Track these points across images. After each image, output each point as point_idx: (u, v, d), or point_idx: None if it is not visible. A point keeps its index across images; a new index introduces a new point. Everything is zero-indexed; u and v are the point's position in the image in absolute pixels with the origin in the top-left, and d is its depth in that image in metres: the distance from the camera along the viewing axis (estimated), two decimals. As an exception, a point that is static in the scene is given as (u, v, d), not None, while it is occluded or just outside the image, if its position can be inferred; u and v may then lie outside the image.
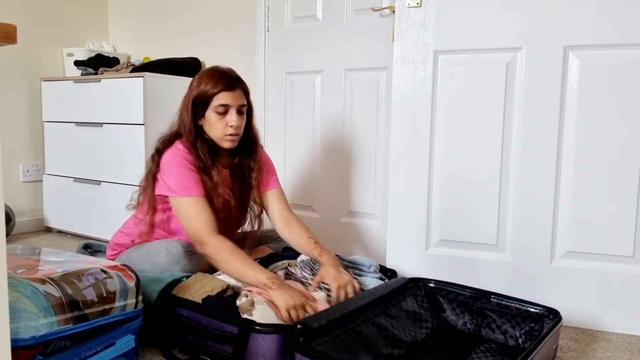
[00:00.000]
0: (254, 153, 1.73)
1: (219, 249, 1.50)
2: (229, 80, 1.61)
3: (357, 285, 1.50)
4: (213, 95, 1.59)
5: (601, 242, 1.65)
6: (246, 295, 1.33)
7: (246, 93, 1.66)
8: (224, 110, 1.60)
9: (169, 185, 1.59)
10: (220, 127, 1.61)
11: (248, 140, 1.72)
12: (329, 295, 1.46)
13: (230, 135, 1.61)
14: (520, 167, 1.72)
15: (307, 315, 1.32)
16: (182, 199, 1.57)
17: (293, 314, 1.32)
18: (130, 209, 1.76)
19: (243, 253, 1.51)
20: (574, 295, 1.69)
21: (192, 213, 1.55)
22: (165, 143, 1.65)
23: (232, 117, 1.59)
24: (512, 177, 1.74)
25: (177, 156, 1.60)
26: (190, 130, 1.62)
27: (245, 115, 1.66)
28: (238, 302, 1.30)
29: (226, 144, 1.64)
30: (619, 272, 1.64)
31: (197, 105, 1.62)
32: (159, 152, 1.65)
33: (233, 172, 1.72)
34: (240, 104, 1.62)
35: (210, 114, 1.60)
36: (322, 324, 1.24)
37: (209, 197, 1.60)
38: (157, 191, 1.63)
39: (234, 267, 1.47)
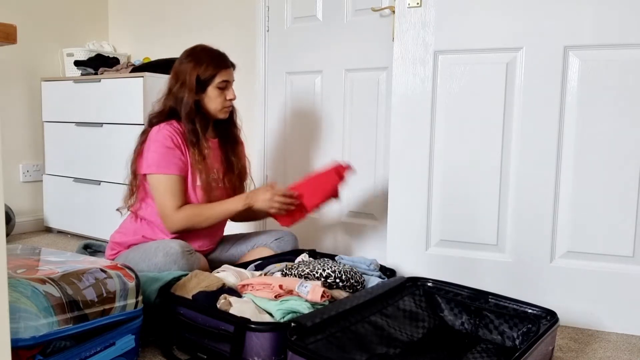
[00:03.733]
0: (234, 121, 1.91)
1: (188, 214, 1.68)
2: (226, 59, 1.80)
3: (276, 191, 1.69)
4: (216, 73, 1.74)
5: (601, 242, 1.65)
6: (224, 298, 1.36)
7: (234, 70, 1.85)
8: (225, 86, 1.77)
9: (147, 163, 1.69)
10: (221, 101, 1.77)
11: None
12: (325, 285, 1.47)
13: (228, 107, 1.81)
14: (520, 167, 1.72)
15: (283, 197, 1.68)
16: (155, 176, 1.68)
17: (276, 205, 1.68)
18: (123, 210, 1.81)
19: (204, 205, 1.73)
20: (574, 295, 1.69)
21: (162, 191, 1.68)
22: (154, 123, 1.75)
23: (231, 92, 1.79)
24: (512, 177, 1.74)
25: (160, 133, 1.70)
26: (191, 107, 1.73)
27: None
28: (218, 305, 1.34)
29: (222, 115, 1.80)
30: (619, 272, 1.64)
31: (199, 82, 1.74)
32: (147, 128, 1.76)
33: (221, 140, 1.86)
34: (234, 80, 1.82)
35: (213, 90, 1.75)
36: (316, 323, 1.24)
37: (196, 171, 1.71)
38: (140, 170, 1.72)
39: (212, 213, 1.71)
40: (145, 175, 1.71)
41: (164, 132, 1.69)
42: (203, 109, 1.76)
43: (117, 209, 1.80)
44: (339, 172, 1.77)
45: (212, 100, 1.75)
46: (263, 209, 1.69)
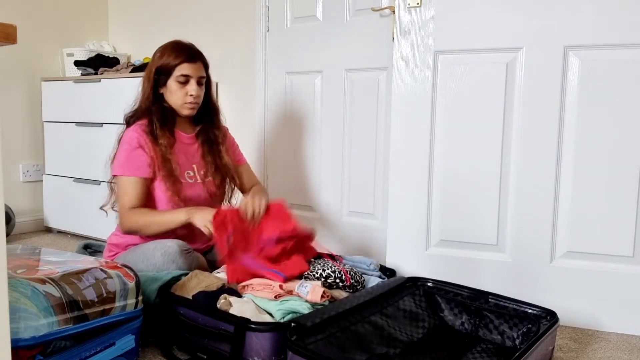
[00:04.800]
0: (217, 121, 1.87)
1: (135, 217, 1.64)
2: (190, 52, 1.73)
3: (261, 204, 1.62)
4: (175, 65, 1.70)
5: (601, 242, 1.65)
6: (225, 298, 1.36)
7: (206, 66, 1.78)
8: (185, 80, 1.71)
9: (114, 165, 1.71)
10: (181, 96, 1.72)
11: (208, 110, 1.83)
12: (325, 285, 1.47)
13: (190, 103, 1.73)
14: (520, 167, 1.72)
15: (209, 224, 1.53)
16: (118, 178, 1.69)
17: (209, 225, 1.53)
18: (106, 208, 1.82)
19: (154, 211, 1.68)
20: (574, 295, 1.69)
21: (121, 192, 1.68)
22: (128, 123, 1.76)
23: (192, 87, 1.71)
24: (512, 177, 1.74)
25: (128, 135, 1.71)
26: (148, 96, 1.73)
27: (204, 87, 1.78)
28: (218, 305, 1.34)
29: (185, 111, 1.74)
30: (619, 272, 1.64)
31: (160, 74, 1.72)
32: (125, 127, 1.76)
33: (199, 138, 1.83)
34: (200, 76, 1.74)
35: (172, 83, 1.71)
36: (316, 323, 1.24)
37: (164, 161, 1.68)
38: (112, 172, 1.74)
39: (155, 222, 1.63)
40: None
41: (131, 134, 1.69)
42: (166, 102, 1.74)
43: (101, 207, 1.81)
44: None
45: (172, 94, 1.72)
46: (198, 225, 1.56)
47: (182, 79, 1.70)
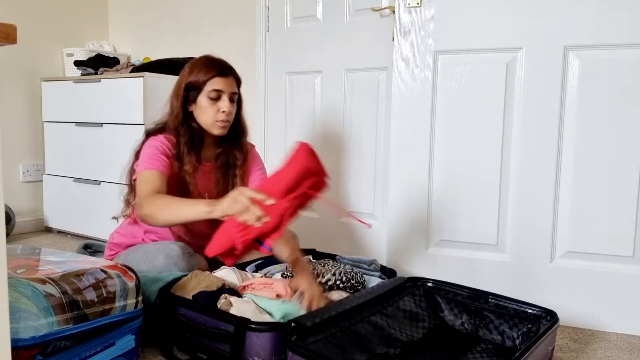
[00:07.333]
0: (241, 143, 1.72)
1: (151, 202, 1.44)
2: (222, 67, 1.62)
3: (326, 299, 1.44)
4: (207, 80, 1.59)
5: (601, 242, 1.65)
6: (225, 298, 1.35)
7: (238, 82, 1.66)
8: (217, 96, 1.59)
9: (136, 169, 1.58)
10: (212, 113, 1.60)
11: (236, 131, 1.71)
12: (326, 287, 1.47)
13: (222, 121, 1.61)
14: (520, 167, 1.72)
15: (250, 196, 1.25)
16: (140, 173, 1.54)
17: (239, 207, 1.25)
18: (119, 218, 1.76)
19: (176, 197, 1.46)
20: (574, 295, 1.69)
21: (141, 182, 1.51)
22: (150, 134, 1.65)
23: (225, 103, 1.59)
24: (512, 177, 1.74)
25: (150, 142, 1.59)
26: (177, 115, 1.61)
27: (235, 104, 1.66)
28: (218, 305, 1.34)
29: (216, 130, 1.62)
30: (619, 272, 1.64)
31: (190, 90, 1.61)
32: (144, 139, 1.65)
33: (218, 162, 1.70)
34: (232, 92, 1.62)
35: (202, 99, 1.60)
36: (316, 323, 1.24)
37: (180, 183, 1.58)
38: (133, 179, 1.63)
39: (172, 211, 1.40)
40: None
41: (154, 142, 1.59)
42: (195, 122, 1.62)
43: (114, 217, 1.74)
44: (305, 153, 1.36)
45: (203, 112, 1.60)
46: (227, 213, 1.29)
47: (213, 95, 1.59)
